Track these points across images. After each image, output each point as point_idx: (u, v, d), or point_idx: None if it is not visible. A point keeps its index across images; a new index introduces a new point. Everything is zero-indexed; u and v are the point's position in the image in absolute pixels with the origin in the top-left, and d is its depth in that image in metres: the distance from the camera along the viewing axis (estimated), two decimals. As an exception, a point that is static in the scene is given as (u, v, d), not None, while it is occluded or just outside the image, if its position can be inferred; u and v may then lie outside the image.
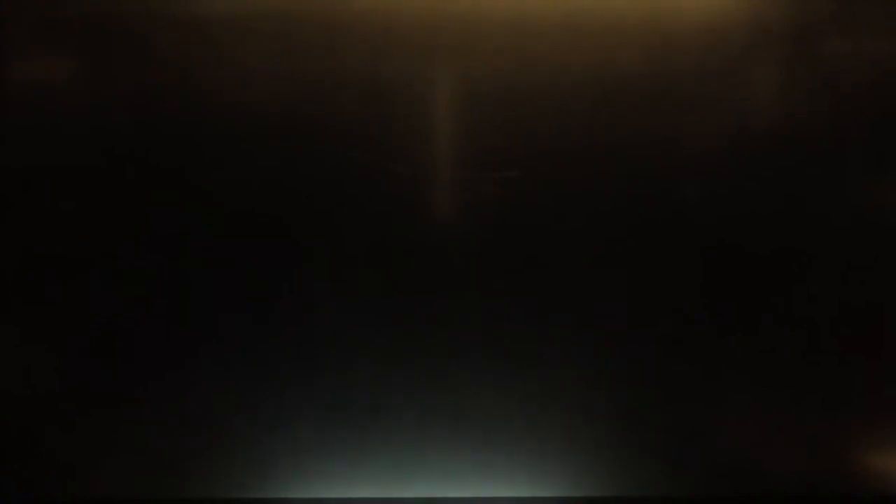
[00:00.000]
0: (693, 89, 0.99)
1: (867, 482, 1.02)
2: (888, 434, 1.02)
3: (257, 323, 1.00)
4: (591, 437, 1.01)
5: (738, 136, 1.00)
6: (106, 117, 1.00)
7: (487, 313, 1.01)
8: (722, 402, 1.02)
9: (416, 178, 1.00)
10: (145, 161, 1.00)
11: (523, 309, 1.01)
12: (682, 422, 1.02)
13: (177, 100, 0.99)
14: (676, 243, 1.00)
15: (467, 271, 1.01)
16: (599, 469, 1.02)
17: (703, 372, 1.01)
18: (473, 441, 1.01)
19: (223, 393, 1.01)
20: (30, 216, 1.00)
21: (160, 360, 1.01)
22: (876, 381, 1.02)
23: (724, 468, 1.02)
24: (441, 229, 1.01)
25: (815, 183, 1.00)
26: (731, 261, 1.00)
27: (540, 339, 1.01)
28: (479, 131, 1.00)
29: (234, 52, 0.99)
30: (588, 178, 1.00)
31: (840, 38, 1.00)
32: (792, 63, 1.00)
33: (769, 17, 0.99)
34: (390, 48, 0.99)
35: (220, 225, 1.00)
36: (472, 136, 1.00)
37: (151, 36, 0.99)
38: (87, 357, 1.01)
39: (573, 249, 1.00)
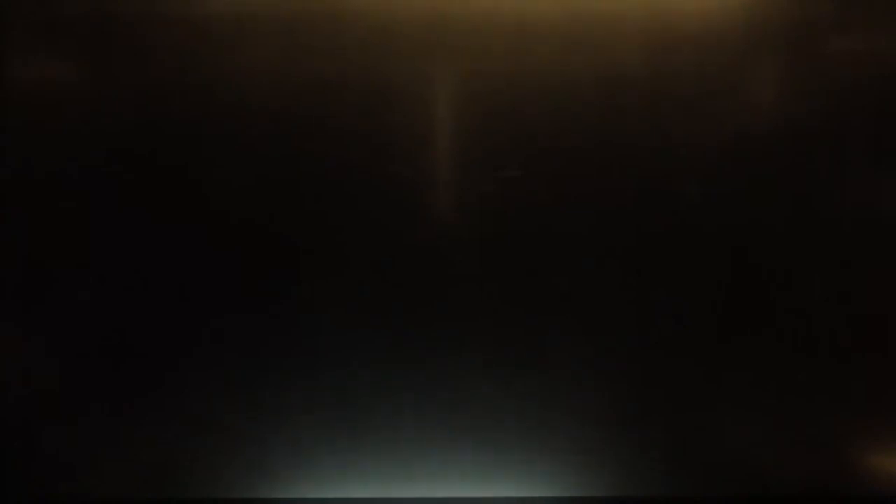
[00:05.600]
0: (695, 89, 0.99)
1: (867, 482, 1.02)
2: (888, 434, 1.02)
3: (258, 323, 1.00)
4: (591, 437, 1.01)
5: (740, 137, 1.00)
6: (104, 118, 1.00)
7: (488, 313, 1.01)
8: (722, 402, 1.02)
9: (417, 179, 1.00)
10: (145, 161, 1.00)
11: (524, 309, 1.01)
12: (682, 422, 1.02)
13: (176, 101, 0.99)
14: (678, 243, 1.00)
15: (468, 271, 1.01)
16: (599, 469, 1.02)
17: (704, 372, 1.01)
18: (473, 441, 1.01)
19: (223, 393, 1.01)
20: (31, 216, 1.00)
21: (161, 360, 1.01)
22: (876, 381, 1.02)
23: (724, 468, 1.02)
24: (441, 229, 1.00)
25: (816, 183, 1.00)
26: (732, 260, 1.00)
27: (540, 339, 1.01)
28: (480, 132, 1.00)
29: (234, 53, 0.99)
30: (590, 179, 1.00)
31: (841, 38, 1.00)
32: (793, 63, 1.00)
33: (771, 17, 0.99)
34: (391, 49, 0.99)
35: (220, 224, 1.00)
36: (474, 136, 1.00)
37: (150, 36, 0.99)
38: (88, 357, 1.01)
39: (574, 249, 1.00)
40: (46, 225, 1.00)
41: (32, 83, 1.00)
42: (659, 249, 1.00)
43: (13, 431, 1.02)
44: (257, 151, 1.00)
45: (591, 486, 1.01)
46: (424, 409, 1.01)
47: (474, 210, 1.00)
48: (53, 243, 1.00)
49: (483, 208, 1.00)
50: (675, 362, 1.01)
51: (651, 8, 0.99)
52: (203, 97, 0.99)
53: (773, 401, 1.02)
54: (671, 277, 1.00)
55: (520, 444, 1.01)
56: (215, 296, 1.00)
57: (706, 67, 0.99)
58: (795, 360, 1.01)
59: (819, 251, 1.00)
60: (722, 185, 1.00)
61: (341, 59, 0.99)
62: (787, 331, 1.01)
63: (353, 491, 1.01)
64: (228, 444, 1.01)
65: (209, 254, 1.00)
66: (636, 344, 1.01)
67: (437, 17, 0.99)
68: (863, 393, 1.02)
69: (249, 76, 0.99)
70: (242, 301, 1.00)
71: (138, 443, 1.01)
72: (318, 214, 1.00)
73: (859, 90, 1.00)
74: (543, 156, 1.00)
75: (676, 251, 1.00)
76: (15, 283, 1.00)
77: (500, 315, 1.01)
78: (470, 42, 0.99)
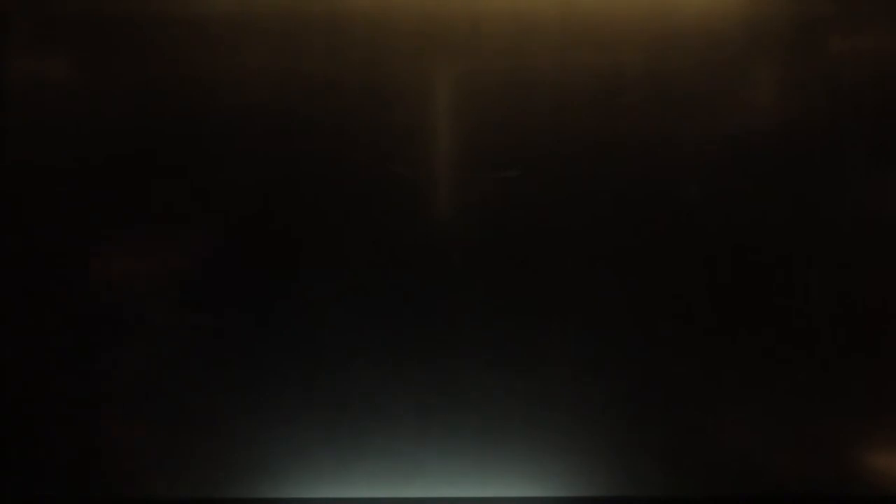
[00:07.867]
0: (695, 89, 0.99)
1: (867, 482, 1.02)
2: (888, 434, 1.02)
3: (258, 323, 1.00)
4: (591, 437, 1.01)
5: (739, 136, 1.00)
6: (104, 117, 1.00)
7: (488, 313, 1.01)
8: (722, 402, 1.02)
9: (417, 179, 1.00)
10: (144, 161, 1.00)
11: (523, 308, 1.01)
12: (682, 422, 1.02)
13: (176, 101, 0.99)
14: (677, 242, 1.00)
15: (468, 271, 1.01)
16: (599, 469, 1.01)
17: (703, 372, 1.01)
18: (473, 441, 1.01)
19: (223, 393, 1.01)
20: (31, 214, 1.00)
21: (161, 359, 1.01)
22: (876, 381, 1.02)
23: (724, 468, 1.02)
24: (441, 229, 1.00)
25: (816, 183, 1.00)
26: (731, 260, 1.00)
27: (540, 338, 1.01)
28: (480, 132, 1.00)
29: (234, 53, 0.99)
30: (590, 179, 1.00)
31: (841, 38, 1.00)
32: (793, 62, 1.00)
33: (771, 16, 0.99)
34: (390, 48, 0.99)
35: (220, 224, 1.00)
36: (474, 136, 1.00)
37: (150, 36, 0.99)
38: (88, 357, 1.01)
39: (574, 249, 1.00)
40: (46, 224, 1.00)
41: (32, 83, 1.00)
42: (659, 249, 1.00)
43: (13, 431, 1.02)
44: (257, 151, 1.00)
45: (592, 486, 1.01)
46: (424, 409, 1.01)
47: (474, 210, 1.00)
48: (53, 243, 1.00)
49: (483, 208, 1.00)
50: (675, 362, 1.01)
51: (651, 8, 0.99)
52: (203, 97, 0.99)
53: (773, 401, 1.02)
54: (671, 277, 1.00)
55: (520, 444, 1.01)
56: (215, 296, 1.00)
57: (706, 67, 0.99)
58: (795, 360, 1.01)
59: (819, 251, 1.00)
60: (722, 185, 1.00)
61: (341, 59, 0.99)
62: (787, 331, 1.01)
63: (353, 491, 1.01)
64: (228, 444, 1.01)
65: (209, 253, 1.00)
66: (636, 344, 1.01)
67: (437, 16, 0.99)
68: (863, 393, 1.02)
69: (249, 76, 0.99)
70: (242, 301, 1.00)
71: (138, 443, 1.01)
72: (318, 214, 1.00)
73: (859, 90, 1.00)
74: (543, 156, 1.00)
75: (676, 251, 1.00)
76: (15, 282, 1.00)
77: (499, 315, 1.01)
78: (470, 41, 0.99)
